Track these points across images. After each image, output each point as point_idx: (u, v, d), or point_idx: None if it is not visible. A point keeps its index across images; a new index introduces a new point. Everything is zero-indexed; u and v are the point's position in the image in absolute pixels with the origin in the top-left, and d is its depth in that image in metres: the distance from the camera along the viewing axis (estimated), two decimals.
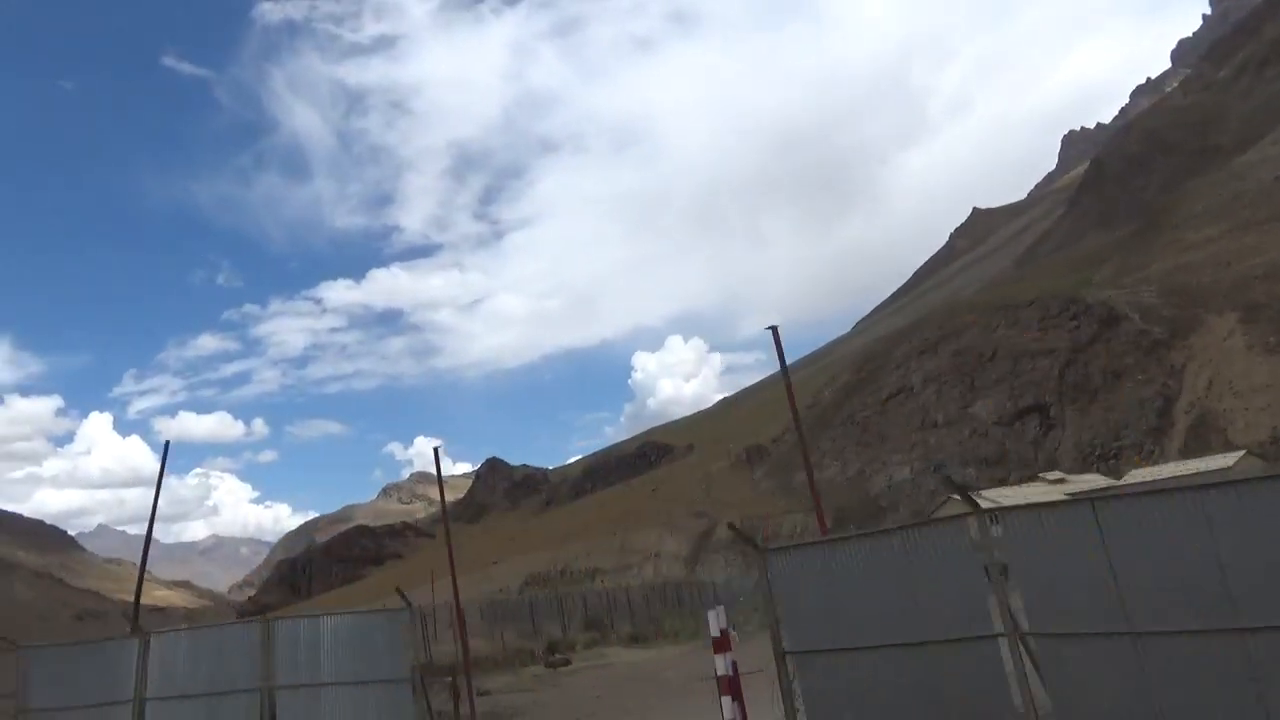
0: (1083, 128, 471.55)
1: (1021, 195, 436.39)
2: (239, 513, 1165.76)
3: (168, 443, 21.06)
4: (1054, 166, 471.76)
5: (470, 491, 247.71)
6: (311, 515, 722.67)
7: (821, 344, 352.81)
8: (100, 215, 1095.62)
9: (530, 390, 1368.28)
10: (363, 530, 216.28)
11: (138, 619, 19.14)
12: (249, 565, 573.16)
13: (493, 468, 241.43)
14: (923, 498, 77.83)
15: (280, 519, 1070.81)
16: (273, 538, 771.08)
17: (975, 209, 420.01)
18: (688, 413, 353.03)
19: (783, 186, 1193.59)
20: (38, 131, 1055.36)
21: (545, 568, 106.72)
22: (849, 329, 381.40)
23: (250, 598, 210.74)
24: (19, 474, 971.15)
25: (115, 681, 14.97)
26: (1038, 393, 76.71)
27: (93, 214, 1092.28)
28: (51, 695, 15.33)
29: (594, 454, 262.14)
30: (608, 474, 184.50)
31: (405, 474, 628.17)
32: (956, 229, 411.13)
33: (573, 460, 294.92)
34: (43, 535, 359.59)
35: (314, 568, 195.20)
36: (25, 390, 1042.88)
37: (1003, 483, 68.53)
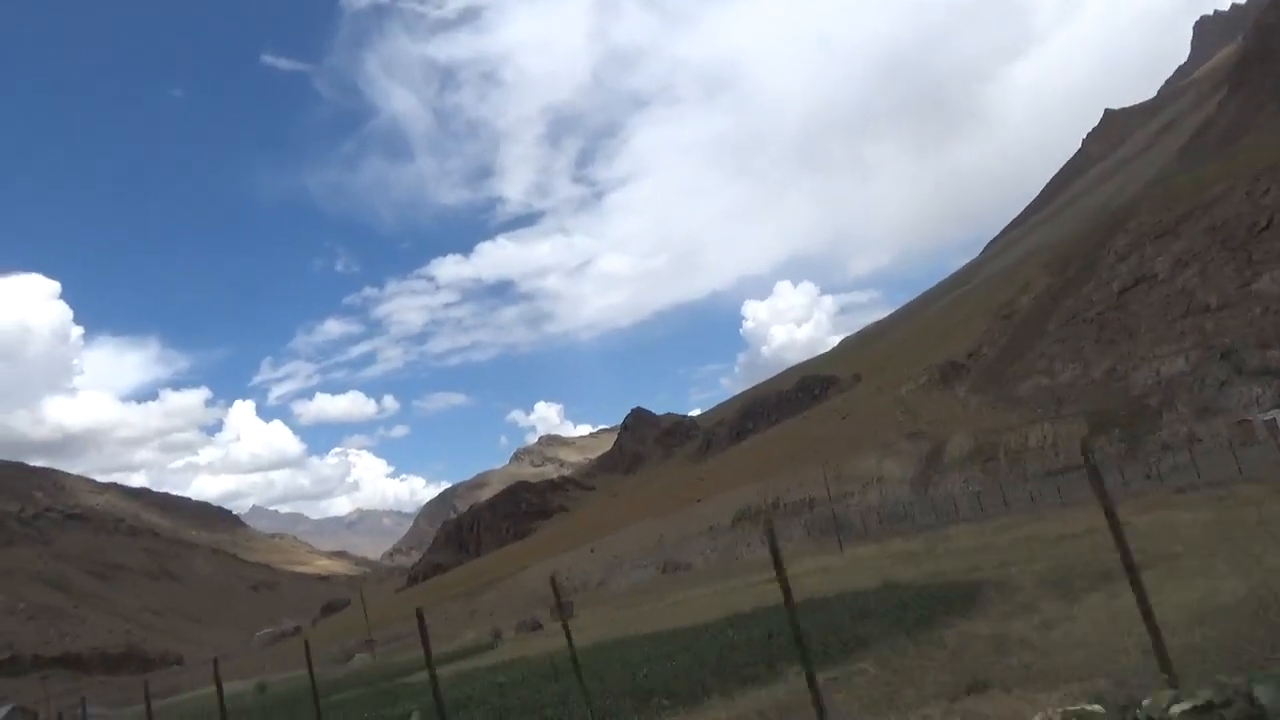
0: (1216, 11, 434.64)
1: (1151, 93, 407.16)
2: (378, 487, 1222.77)
3: None
4: (1186, 57, 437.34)
5: (618, 444, 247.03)
6: (444, 485, 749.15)
7: (949, 271, 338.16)
8: (223, 214, 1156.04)
9: (643, 348, 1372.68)
10: (524, 486, 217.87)
11: None
12: (393, 535, 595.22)
13: (639, 418, 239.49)
14: (1208, 391, 69.61)
15: (415, 490, 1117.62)
16: (411, 508, 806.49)
17: (1108, 111, 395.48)
18: (804, 358, 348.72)
19: (885, 115, 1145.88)
20: (157, 140, 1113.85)
21: (752, 502, 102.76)
22: (979, 252, 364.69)
23: (423, 557, 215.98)
24: (179, 464, 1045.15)
25: None
26: None
27: (216, 214, 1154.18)
28: None
29: (735, 397, 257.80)
30: (769, 412, 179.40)
31: (530, 439, 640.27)
32: (1089, 134, 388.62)
33: (706, 409, 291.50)
34: (210, 516, 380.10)
35: (481, 526, 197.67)
36: (176, 385, 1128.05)
37: None
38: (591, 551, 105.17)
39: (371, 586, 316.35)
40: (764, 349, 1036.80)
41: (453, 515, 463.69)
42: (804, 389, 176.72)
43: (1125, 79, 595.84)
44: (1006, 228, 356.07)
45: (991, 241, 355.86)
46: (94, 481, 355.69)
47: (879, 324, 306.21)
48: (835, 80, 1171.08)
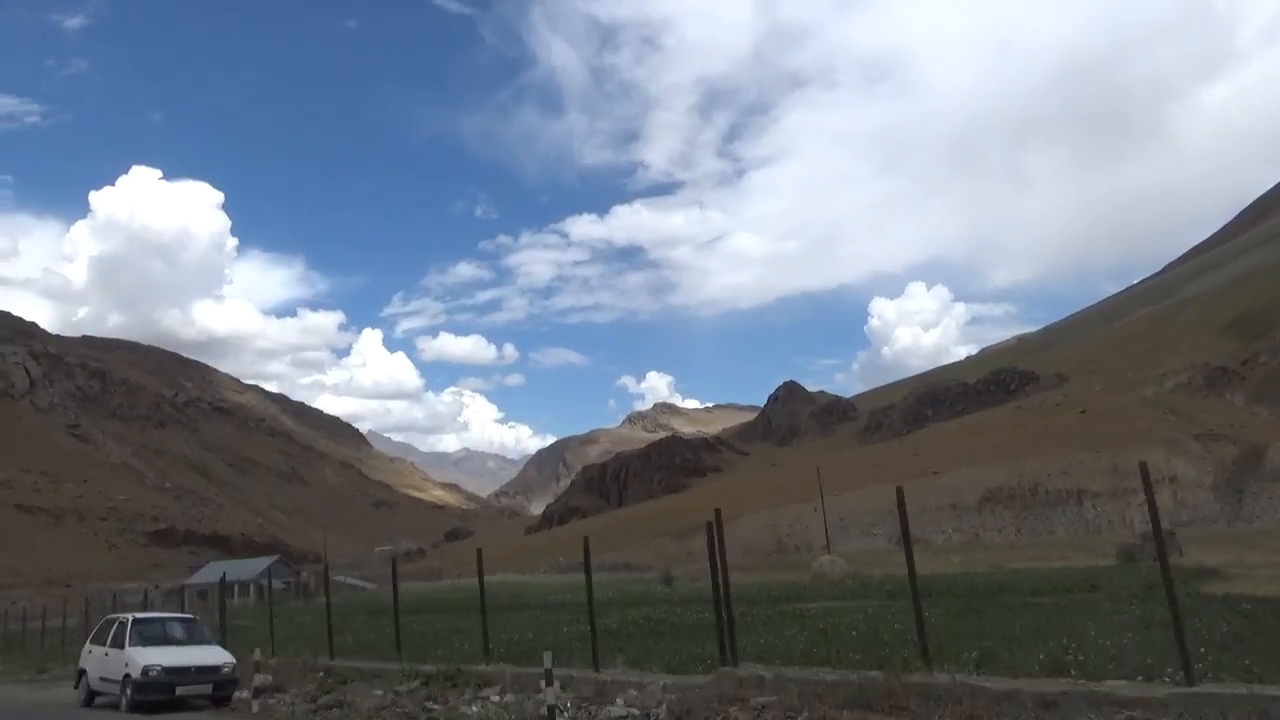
0: None
1: None
2: (486, 430, 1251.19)
3: None
4: None
5: (764, 415, 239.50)
6: (549, 437, 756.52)
7: (1097, 294, 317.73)
8: (377, 147, 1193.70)
9: (763, 332, 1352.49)
10: (677, 440, 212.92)
11: None
12: (496, 477, 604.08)
13: (791, 392, 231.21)
14: None
15: (521, 439, 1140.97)
16: (515, 455, 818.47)
17: None
18: (927, 365, 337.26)
19: (1052, 125, 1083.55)
20: (327, 68, 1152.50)
21: (1002, 483, 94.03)
22: (1156, 270, 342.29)
23: (559, 499, 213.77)
24: (307, 380, 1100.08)
25: None
26: None
27: (371, 146, 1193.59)
28: None
29: (896, 383, 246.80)
30: (952, 401, 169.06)
31: (638, 405, 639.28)
32: None
33: (864, 390, 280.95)
34: (339, 430, 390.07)
35: (628, 474, 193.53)
36: (314, 305, 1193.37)
37: None
38: (814, 510, 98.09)
39: (484, 523, 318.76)
40: (885, 349, 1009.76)
41: (562, 467, 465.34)
42: (997, 382, 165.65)
43: None
44: (1196, 248, 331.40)
45: (1175, 261, 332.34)
46: (238, 381, 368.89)
47: (1044, 331, 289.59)
48: (1005, 82, 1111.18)
